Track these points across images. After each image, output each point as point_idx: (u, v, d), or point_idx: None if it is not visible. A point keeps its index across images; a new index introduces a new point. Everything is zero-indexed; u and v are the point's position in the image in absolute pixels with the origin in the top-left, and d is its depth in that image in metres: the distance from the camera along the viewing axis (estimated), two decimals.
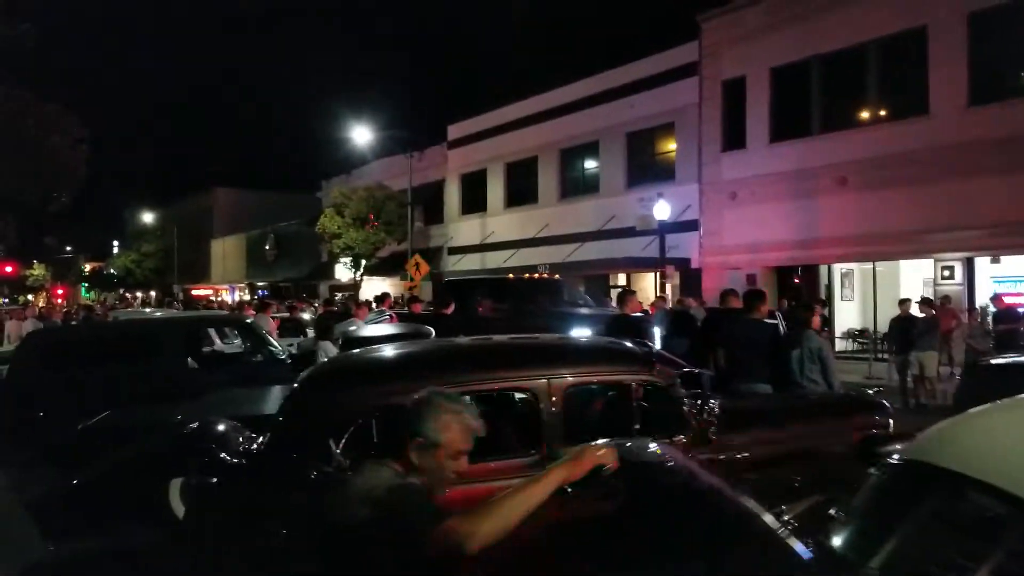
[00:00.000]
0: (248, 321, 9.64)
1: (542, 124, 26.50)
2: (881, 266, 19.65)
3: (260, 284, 45.69)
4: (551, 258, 24.02)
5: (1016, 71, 16.26)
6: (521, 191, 27.73)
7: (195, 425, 4.60)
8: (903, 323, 13.27)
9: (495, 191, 28.96)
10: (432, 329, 6.74)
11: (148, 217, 58.51)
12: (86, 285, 71.66)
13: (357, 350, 4.82)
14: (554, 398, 3.62)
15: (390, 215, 29.22)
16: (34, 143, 15.58)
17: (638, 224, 22.91)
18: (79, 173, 17.23)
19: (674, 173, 22.64)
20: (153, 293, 56.94)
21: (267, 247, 45.57)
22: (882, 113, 18.51)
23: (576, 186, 26.09)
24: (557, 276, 15.28)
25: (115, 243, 74.90)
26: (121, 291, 62.05)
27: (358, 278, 30.68)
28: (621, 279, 25.12)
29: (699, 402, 3.94)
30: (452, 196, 31.27)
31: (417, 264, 25.23)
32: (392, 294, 30.68)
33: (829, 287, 20.45)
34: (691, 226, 21.87)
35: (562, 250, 24.48)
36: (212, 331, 11.58)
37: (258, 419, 6.04)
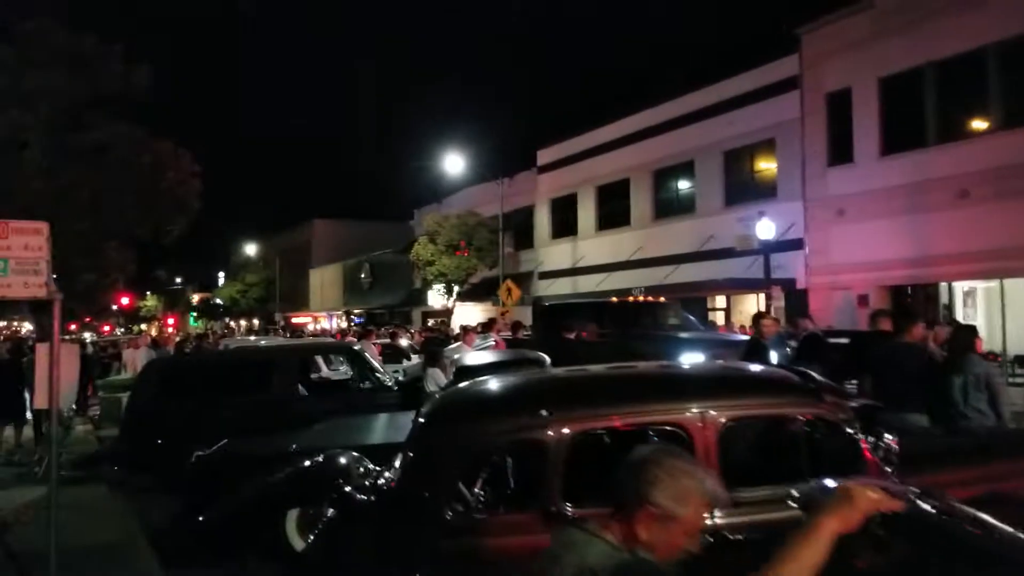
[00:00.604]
0: (355, 348, 9.66)
1: (634, 145, 26.12)
2: (1009, 283, 18.27)
3: (356, 311, 46.73)
4: (645, 281, 23.46)
5: None
6: (613, 214, 27.35)
7: (319, 459, 4.47)
8: None
9: (586, 214, 28.68)
10: (546, 356, 6.49)
11: (251, 249, 60.99)
12: (194, 314, 75.24)
13: (481, 378, 4.60)
14: (710, 434, 3.29)
15: (481, 241, 29.36)
16: (150, 179, 16.36)
17: (737, 244, 22.14)
18: (192, 207, 18.01)
19: (775, 190, 21.82)
20: (256, 321, 59.14)
21: (362, 275, 46.64)
22: (1004, 120, 17.28)
23: (670, 207, 25.52)
24: (662, 299, 14.82)
25: (220, 274, 78.44)
26: (227, 320, 64.78)
27: (451, 304, 30.89)
28: (719, 301, 24.34)
29: (872, 438, 3.50)
30: (542, 221, 31.18)
31: (509, 289, 25.22)
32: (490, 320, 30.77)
33: (950, 307, 19.16)
34: (795, 245, 20.96)
35: (656, 273, 23.92)
36: (319, 358, 11.70)
37: (374, 449, 5.93)
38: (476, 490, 3.24)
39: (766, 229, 19.06)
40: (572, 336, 9.14)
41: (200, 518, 4.72)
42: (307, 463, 4.61)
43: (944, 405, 5.00)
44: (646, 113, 25.66)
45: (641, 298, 14.48)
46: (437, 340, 8.69)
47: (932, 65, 18.33)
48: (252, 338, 26.21)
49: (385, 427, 6.83)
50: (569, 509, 3.22)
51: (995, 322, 18.57)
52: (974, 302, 19.56)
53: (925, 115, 18.63)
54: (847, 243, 19.98)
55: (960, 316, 19.44)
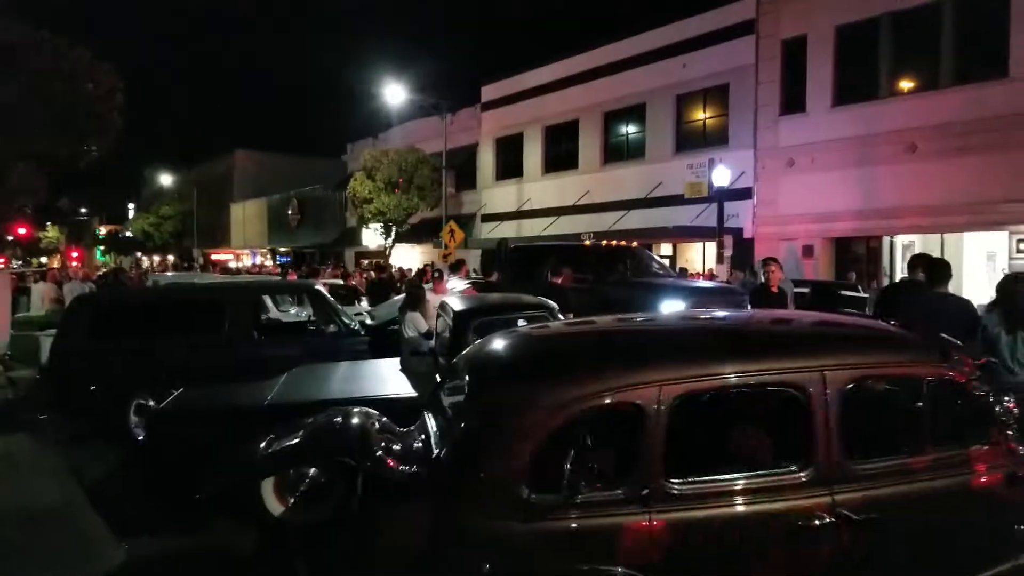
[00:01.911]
0: (317, 287, 8.85)
1: (584, 85, 25.38)
2: (949, 238, 18.66)
3: (282, 249, 44.99)
4: (592, 227, 23.08)
5: None
6: (560, 156, 26.69)
7: (329, 416, 3.80)
8: None
9: (532, 156, 27.93)
10: (553, 303, 5.90)
11: (166, 180, 57.72)
12: (101, 248, 71.14)
13: (528, 328, 3.94)
14: (831, 397, 2.79)
15: (422, 180, 28.30)
16: (67, 91, 14.59)
17: (687, 192, 21.94)
18: (114, 125, 16.23)
19: (726, 138, 21.57)
20: (171, 257, 56.38)
21: (289, 212, 44.77)
22: (955, 76, 17.33)
23: (619, 151, 25.03)
24: (635, 244, 14.36)
25: (131, 206, 74.29)
26: (138, 255, 61.59)
27: (388, 245, 29.87)
28: (664, 249, 24.21)
29: (991, 400, 3.10)
30: (486, 161, 30.26)
31: (452, 231, 24.42)
32: (425, 262, 29.93)
33: (891, 260, 19.53)
34: (744, 194, 20.87)
35: (604, 218, 23.55)
36: (266, 298, 10.78)
37: (366, 403, 5.28)
38: (561, 465, 2.67)
39: (722, 176, 18.80)
40: (558, 280, 8.56)
41: (194, 491, 3.98)
42: (313, 420, 3.91)
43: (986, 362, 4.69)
44: (597, 51, 24.88)
45: (615, 243, 13.96)
46: (416, 281, 7.99)
47: (888, 16, 18.20)
48: (171, 274, 24.65)
49: (368, 377, 6.16)
50: (673, 485, 2.69)
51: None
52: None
53: (879, 67, 18.56)
54: (795, 194, 20.00)
55: (898, 270, 19.87)
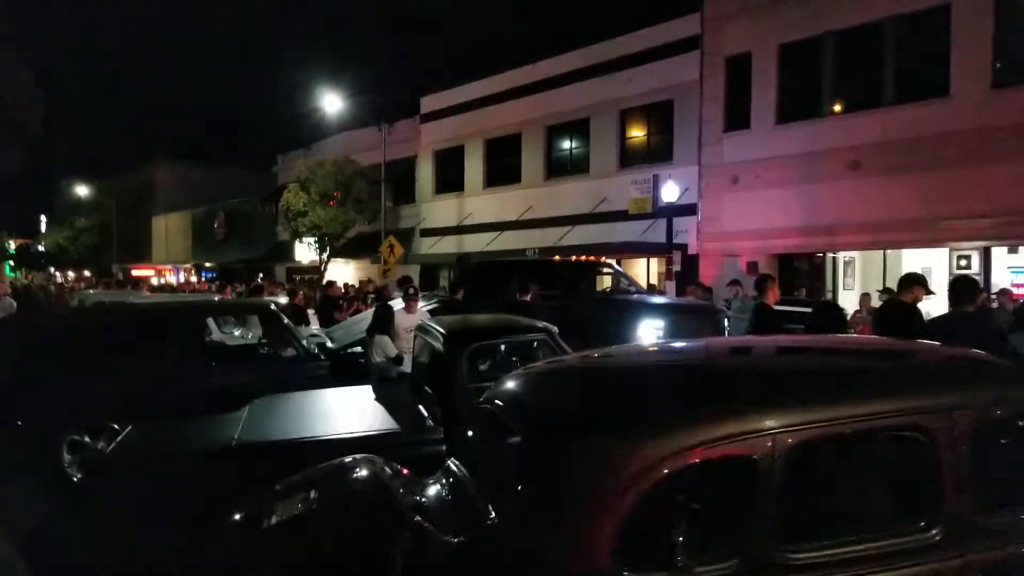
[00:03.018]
0: (273, 307, 8.10)
1: (526, 98, 25.09)
2: (890, 254, 19.05)
3: (208, 265, 43.15)
4: (536, 242, 22.76)
5: None
6: (502, 170, 26.28)
7: (336, 466, 3.18)
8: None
9: (473, 169, 27.45)
10: (552, 325, 5.38)
11: (83, 191, 54.83)
12: (11, 264, 67.03)
13: (577, 361, 3.38)
14: (958, 440, 2.38)
15: (360, 193, 27.47)
16: None
17: (631, 207, 21.87)
18: (33, 131, 14.99)
19: (671, 154, 21.57)
20: (88, 272, 53.44)
21: (216, 225, 43.00)
22: (896, 95, 17.71)
23: (563, 166, 24.80)
24: (604, 258, 13.96)
25: (43, 218, 70.37)
26: (51, 270, 58.26)
27: (323, 260, 28.86)
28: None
29: None
30: (425, 174, 29.61)
31: (391, 246, 23.72)
32: (359, 279, 29.03)
33: (834, 277, 19.81)
34: (689, 210, 20.85)
35: (548, 234, 23.24)
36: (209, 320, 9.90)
37: (353, 444, 4.66)
38: (656, 536, 2.17)
39: (671, 192, 18.73)
40: (527, 298, 8.07)
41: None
42: (316, 479, 3.28)
43: None
44: (540, 65, 24.65)
45: (584, 257, 13.52)
46: (386, 306, 7.35)
47: (831, 34, 18.52)
48: (91, 291, 23.06)
49: (346, 410, 5.50)
50: (791, 554, 2.22)
51: (868, 290, 19.34)
52: (853, 272, 20.31)
53: (822, 85, 18.84)
54: (740, 210, 20.11)
55: (840, 285, 20.18)
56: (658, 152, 22.02)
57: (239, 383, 6.82)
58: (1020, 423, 2.61)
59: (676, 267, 19.33)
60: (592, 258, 13.53)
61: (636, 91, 22.15)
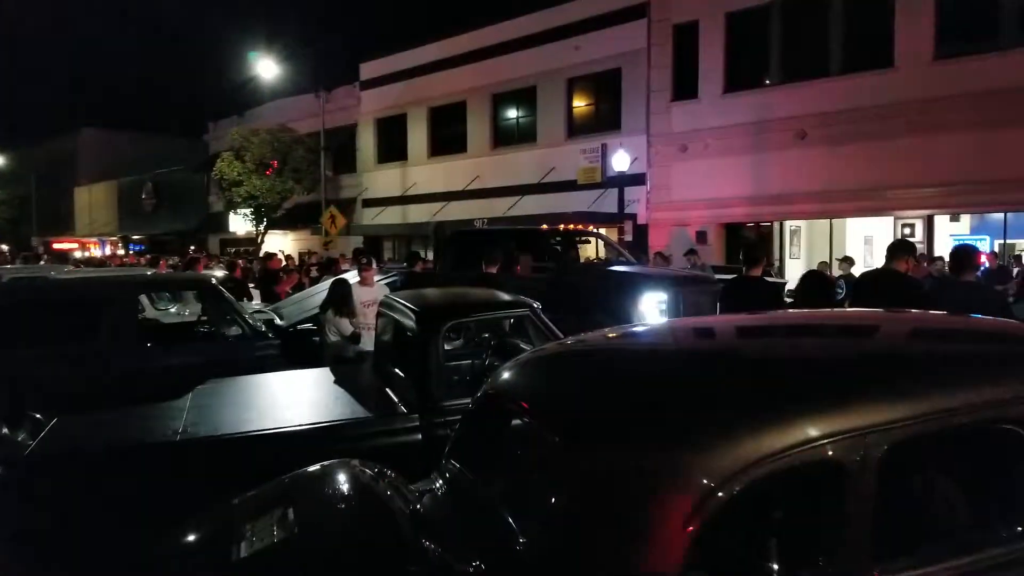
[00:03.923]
0: (213, 281, 7.48)
1: (471, 66, 24.40)
2: (827, 224, 19.26)
3: (135, 237, 41.28)
4: (484, 212, 22.29)
5: (983, 24, 15.77)
6: (448, 139, 25.60)
7: (326, 489, 2.72)
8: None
9: (417, 138, 26.68)
10: (533, 301, 4.94)
11: None
12: None
13: (607, 343, 2.90)
14: None
15: (297, 161, 26.45)
16: None
17: (580, 177, 21.58)
18: None
19: (619, 123, 21.28)
20: (4, 247, 50.58)
21: (144, 196, 41.08)
22: (842, 65, 17.74)
23: (511, 135, 24.29)
24: (592, 227, 13.33)
25: None
26: None
27: (261, 231, 27.80)
28: None
29: None
30: (367, 142, 28.68)
31: (333, 217, 22.97)
32: (298, 251, 28.13)
33: (781, 245, 19.94)
34: (638, 180, 20.66)
35: (496, 204, 22.77)
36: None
37: (315, 434, 4.21)
38: (730, 557, 1.81)
39: (621, 161, 18.46)
40: (494, 270, 7.60)
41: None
42: (289, 485, 2.82)
43: None
44: (485, 31, 23.96)
45: (572, 226, 12.76)
46: (341, 280, 6.77)
47: (779, 3, 18.41)
48: (11, 266, 21.64)
49: (304, 395, 5.02)
50: (884, 574, 1.89)
51: (815, 259, 19.55)
52: (799, 241, 20.49)
53: (769, 54, 18.78)
54: (689, 180, 20.01)
55: (787, 254, 20.34)
56: (606, 121, 21.71)
57: (179, 366, 6.25)
58: None
59: (627, 237, 19.16)
60: (579, 226, 12.80)
61: (584, 59, 21.73)
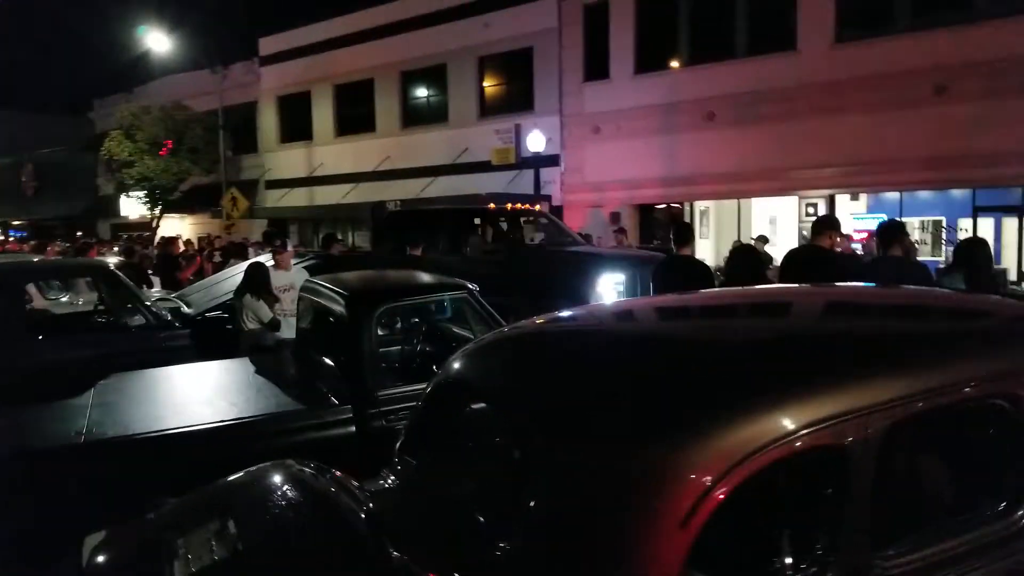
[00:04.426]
0: (111, 267, 6.82)
1: (378, 42, 23.65)
2: (734, 204, 19.71)
3: (16, 223, 38.37)
4: (396, 194, 21.71)
5: (880, 9, 16.35)
6: (355, 118, 24.80)
7: (288, 486, 2.38)
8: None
9: (323, 117, 25.74)
10: (468, 283, 4.64)
11: None
12: None
13: (583, 323, 2.63)
14: None
15: (195, 141, 25.09)
16: None
17: (494, 158, 21.33)
18: None
19: (532, 104, 21.11)
20: None
21: (24, 178, 38.16)
22: (750, 47, 18.10)
23: (421, 114, 23.74)
24: (538, 206, 12.86)
25: None
26: None
27: (156, 215, 26.29)
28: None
29: None
30: (268, 121, 27.48)
31: (234, 199, 21.95)
32: (197, 236, 26.77)
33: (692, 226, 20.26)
34: (552, 161, 20.60)
35: (408, 185, 22.26)
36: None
37: (238, 431, 3.84)
38: (731, 552, 1.62)
39: (536, 142, 18.30)
40: (419, 252, 7.24)
41: None
42: (221, 492, 2.46)
43: None
44: (393, 6, 23.25)
45: (519, 205, 11.97)
46: (258, 263, 6.24)
47: None
48: None
49: (223, 387, 4.58)
50: (887, 562, 1.74)
51: (724, 240, 20.04)
52: (708, 221, 20.91)
53: (678, 36, 18.99)
54: (602, 161, 20.07)
55: (697, 235, 20.73)
56: (519, 101, 21.50)
57: (75, 360, 5.66)
58: None
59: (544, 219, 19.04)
60: (527, 205, 12.28)
61: (494, 37, 21.41)
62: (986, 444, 2.06)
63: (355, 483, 2.39)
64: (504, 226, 10.82)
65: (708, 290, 3.47)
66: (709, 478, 1.59)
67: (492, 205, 11.36)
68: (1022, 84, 13.95)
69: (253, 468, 2.55)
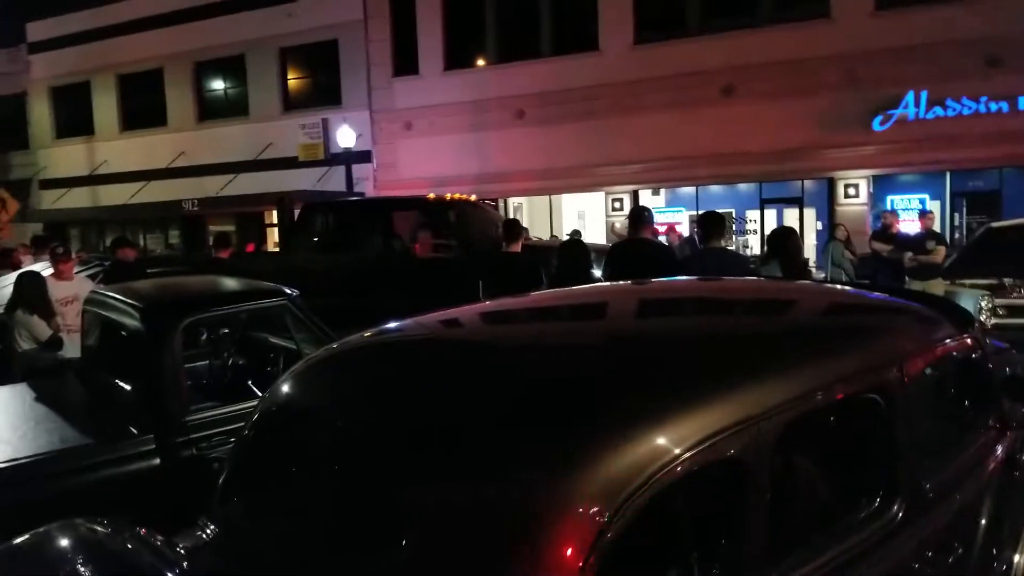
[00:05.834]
0: None
1: (168, 29, 21.75)
2: (546, 200, 20.23)
3: None
4: (193, 193, 20.25)
5: (674, 13, 17.30)
6: (143, 111, 22.69)
7: (79, 554, 1.91)
8: None
9: (105, 110, 23.34)
10: (286, 288, 4.17)
11: None
12: None
13: (461, 323, 2.29)
14: (913, 400, 1.99)
15: None
16: None
17: (301, 154, 20.41)
18: None
19: (340, 98, 20.40)
20: None
21: None
22: (556, 46, 18.57)
23: (219, 107, 22.18)
24: (483, 200, 11.75)
25: None
26: None
27: None
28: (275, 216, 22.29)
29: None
30: (41, 114, 24.53)
31: (3, 200, 19.32)
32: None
33: None
34: (363, 157, 20.01)
35: (206, 183, 20.74)
36: None
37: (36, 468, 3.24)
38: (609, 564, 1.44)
39: (347, 137, 17.68)
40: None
41: None
42: None
43: None
44: None
45: (458, 196, 10.88)
46: (32, 273, 5.30)
47: None
48: None
49: (15, 418, 3.84)
50: (784, 567, 1.65)
51: (537, 234, 20.44)
52: (522, 216, 21.29)
53: (486, 34, 19.12)
54: (415, 157, 19.80)
55: None
56: (326, 95, 20.71)
57: None
58: (935, 370, 2.34)
59: None
60: (464, 197, 11.12)
61: (297, 28, 20.43)
62: (863, 441, 2.06)
63: (162, 539, 1.98)
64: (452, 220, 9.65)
65: (556, 290, 3.32)
66: (608, 498, 1.40)
67: (431, 195, 10.38)
68: (799, 86, 15.34)
69: (25, 536, 2.03)
